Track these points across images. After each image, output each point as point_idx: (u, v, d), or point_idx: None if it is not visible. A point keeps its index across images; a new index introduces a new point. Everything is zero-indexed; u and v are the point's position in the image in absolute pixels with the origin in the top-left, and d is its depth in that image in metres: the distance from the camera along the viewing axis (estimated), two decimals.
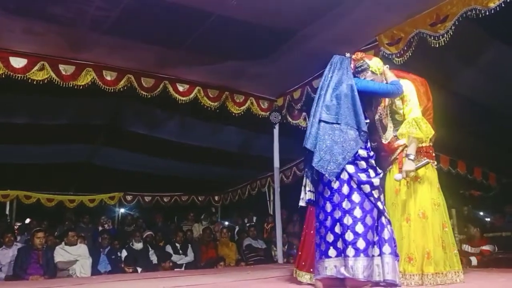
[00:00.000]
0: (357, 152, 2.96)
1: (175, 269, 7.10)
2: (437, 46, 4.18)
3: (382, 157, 3.52)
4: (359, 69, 3.36)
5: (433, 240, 3.16)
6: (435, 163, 3.42)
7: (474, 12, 3.86)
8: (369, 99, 3.28)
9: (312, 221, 3.35)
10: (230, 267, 7.25)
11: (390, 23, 4.62)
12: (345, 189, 2.93)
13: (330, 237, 2.93)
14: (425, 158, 3.29)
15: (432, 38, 4.20)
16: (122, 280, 4.55)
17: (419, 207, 3.22)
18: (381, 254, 2.90)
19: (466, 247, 6.16)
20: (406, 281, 3.13)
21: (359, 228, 2.85)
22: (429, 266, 3.11)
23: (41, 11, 4.32)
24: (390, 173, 3.47)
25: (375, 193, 2.95)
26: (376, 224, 2.93)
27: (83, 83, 5.28)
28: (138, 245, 7.27)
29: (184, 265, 7.50)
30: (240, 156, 8.49)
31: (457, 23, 4.00)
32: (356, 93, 3.04)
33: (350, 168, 2.94)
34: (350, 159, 2.94)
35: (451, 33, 4.05)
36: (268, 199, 10.08)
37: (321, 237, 2.99)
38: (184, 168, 9.23)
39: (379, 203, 2.96)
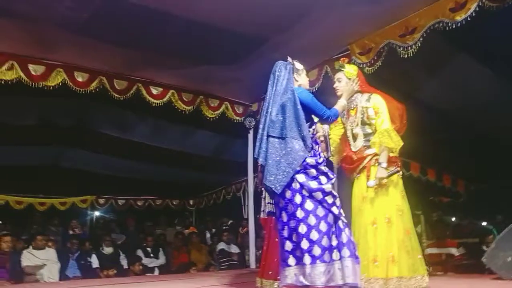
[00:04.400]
0: (305, 161, 3.00)
1: (147, 274, 7.03)
2: (406, 56, 4.29)
3: (347, 169, 3.71)
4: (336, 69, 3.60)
5: (397, 245, 3.31)
6: (401, 172, 3.58)
7: (441, 24, 3.98)
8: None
9: (273, 231, 3.39)
10: (202, 271, 7.21)
11: (361, 33, 4.71)
12: (298, 199, 2.95)
13: (289, 246, 2.96)
14: (395, 166, 3.45)
15: (401, 48, 4.31)
16: (89, 286, 4.47)
17: (385, 212, 3.38)
18: (341, 258, 2.93)
19: (433, 250, 6.32)
20: (370, 285, 3.21)
21: (314, 235, 2.88)
22: (393, 268, 3.25)
23: (9, 8, 4.21)
24: (358, 181, 3.63)
25: (328, 199, 2.98)
26: (333, 229, 2.98)
27: (53, 84, 5.16)
28: (108, 250, 7.17)
29: (156, 269, 7.42)
30: (215, 160, 8.48)
31: (425, 35, 4.11)
32: (298, 105, 3.05)
33: (301, 178, 2.97)
34: (299, 169, 2.96)
35: (419, 44, 4.17)
36: (242, 203, 10.08)
37: (282, 247, 3.03)
38: (158, 172, 9.15)
39: (333, 208, 2.99)
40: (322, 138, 3.55)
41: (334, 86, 3.65)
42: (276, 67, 3.22)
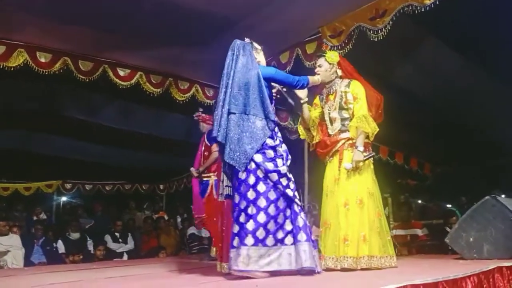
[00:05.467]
0: (265, 141, 2.98)
1: (115, 259, 6.94)
2: (376, 40, 4.30)
3: (320, 154, 3.78)
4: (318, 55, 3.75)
5: (368, 225, 3.40)
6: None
7: (410, 8, 3.99)
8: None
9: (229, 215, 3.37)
10: (172, 256, 7.17)
11: (332, 16, 4.68)
12: (251, 180, 2.94)
13: (235, 228, 2.93)
14: (368, 151, 3.55)
15: (371, 32, 4.31)
16: (53, 272, 4.36)
17: (357, 194, 3.46)
18: (296, 242, 2.93)
19: (399, 231, 6.48)
20: (340, 264, 3.27)
21: (261, 217, 2.87)
22: (364, 248, 3.33)
23: None
24: (330, 164, 3.70)
25: (283, 181, 2.99)
26: (285, 213, 2.98)
27: (14, 65, 4.94)
28: (75, 235, 7.03)
29: (124, 254, 7.33)
30: (185, 144, 8.36)
31: (394, 18, 4.13)
32: (262, 82, 3.05)
33: (258, 158, 2.96)
34: (258, 148, 2.95)
35: (389, 28, 4.18)
36: None
37: (230, 228, 3.02)
38: (127, 156, 8.99)
39: (288, 191, 2.99)
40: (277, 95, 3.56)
41: (316, 71, 3.74)
42: (234, 45, 3.20)
